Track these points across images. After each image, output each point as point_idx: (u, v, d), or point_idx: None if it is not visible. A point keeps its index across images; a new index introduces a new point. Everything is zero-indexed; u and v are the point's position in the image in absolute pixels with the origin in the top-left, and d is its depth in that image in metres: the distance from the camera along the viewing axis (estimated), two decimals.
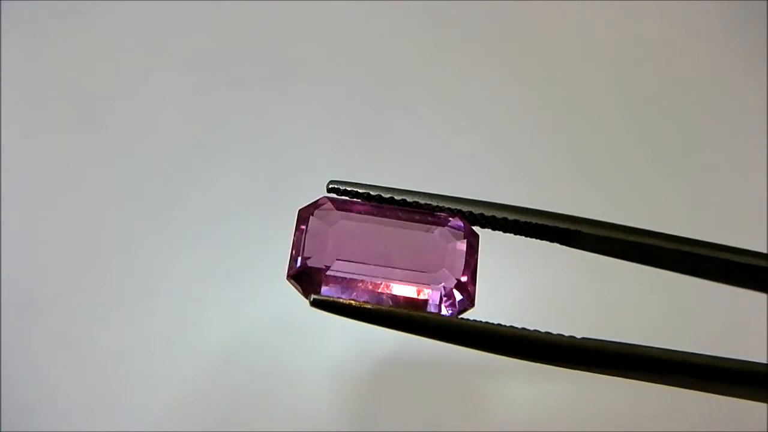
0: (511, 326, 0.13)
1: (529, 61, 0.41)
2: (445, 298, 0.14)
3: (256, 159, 0.38)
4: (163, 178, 0.38)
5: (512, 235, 0.15)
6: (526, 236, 0.15)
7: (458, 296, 0.14)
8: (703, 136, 0.39)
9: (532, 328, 0.13)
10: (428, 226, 0.14)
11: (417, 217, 0.14)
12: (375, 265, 0.14)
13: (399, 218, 0.14)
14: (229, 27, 0.42)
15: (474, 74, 0.41)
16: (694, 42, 0.41)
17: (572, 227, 0.14)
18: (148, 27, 0.42)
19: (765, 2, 0.41)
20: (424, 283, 0.14)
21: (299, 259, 0.14)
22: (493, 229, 0.15)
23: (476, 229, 0.15)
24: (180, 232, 0.37)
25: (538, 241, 0.15)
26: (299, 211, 0.14)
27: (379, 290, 0.14)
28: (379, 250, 0.14)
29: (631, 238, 0.14)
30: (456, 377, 0.34)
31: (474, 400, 0.34)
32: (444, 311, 0.14)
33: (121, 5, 0.42)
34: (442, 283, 0.14)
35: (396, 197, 0.14)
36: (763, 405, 0.31)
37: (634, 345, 0.13)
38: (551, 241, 0.15)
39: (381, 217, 0.14)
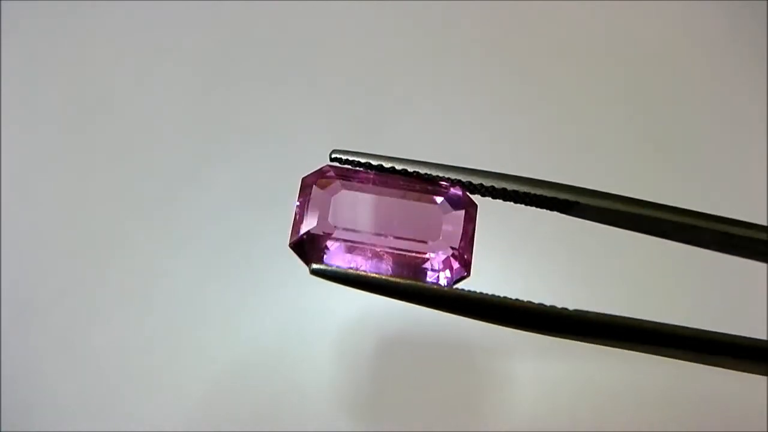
0: (503, 296, 0.14)
1: (529, 61, 0.41)
2: (441, 266, 0.14)
3: (256, 158, 0.38)
4: (163, 177, 0.38)
5: (512, 203, 0.15)
6: (525, 205, 0.15)
7: (455, 264, 0.14)
8: (703, 135, 0.39)
9: (524, 299, 0.14)
10: (427, 195, 0.14)
11: (417, 187, 0.15)
12: (375, 233, 0.14)
13: (399, 187, 0.14)
14: (229, 27, 0.42)
15: (474, 73, 0.41)
16: (694, 42, 0.41)
17: (572, 198, 0.14)
18: (148, 27, 0.42)
19: (765, 2, 0.41)
20: (422, 251, 0.14)
21: (301, 226, 0.14)
22: (493, 198, 0.15)
23: (476, 197, 0.15)
24: (180, 231, 0.37)
25: (538, 211, 0.15)
26: (302, 179, 0.14)
27: (379, 258, 0.14)
28: (379, 219, 0.14)
29: (630, 209, 0.14)
30: (463, 356, 0.34)
31: (484, 384, 0.34)
32: (441, 279, 0.14)
33: (121, 5, 0.42)
34: (440, 251, 0.14)
35: (397, 167, 0.14)
36: (763, 405, 0.32)
37: (620, 317, 0.14)
38: (551, 209, 0.15)
39: (382, 186, 0.14)
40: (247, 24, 0.42)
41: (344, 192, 0.14)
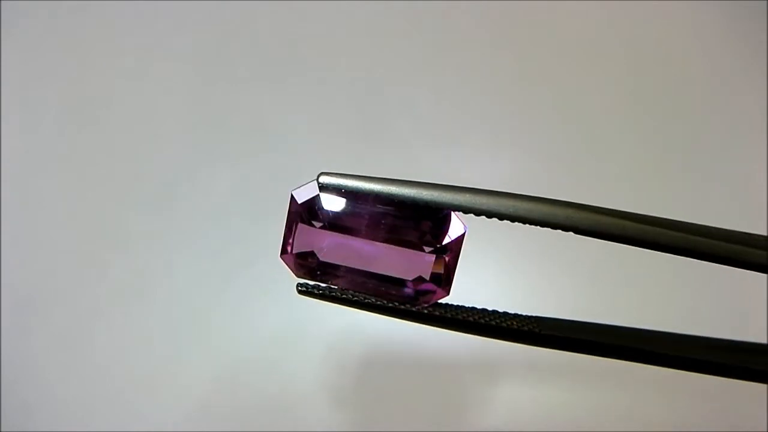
0: (471, 309, 0.15)
1: (530, 62, 0.41)
2: (423, 285, 0.15)
3: (256, 159, 0.38)
4: (163, 177, 0.38)
5: (509, 222, 0.15)
6: (521, 223, 0.15)
7: (436, 284, 0.15)
8: (703, 136, 0.39)
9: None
10: (413, 216, 0.15)
11: (404, 209, 0.15)
12: (361, 248, 0.15)
13: (386, 206, 0.15)
14: (229, 26, 0.42)
15: (475, 74, 0.41)
16: (694, 42, 0.41)
17: (567, 224, 0.14)
18: (147, 26, 0.42)
19: (765, 2, 0.41)
20: (404, 270, 0.15)
21: (291, 240, 0.15)
22: (488, 217, 0.15)
23: (470, 217, 0.15)
24: (180, 231, 0.37)
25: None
26: (292, 192, 0.15)
27: (363, 274, 0.15)
28: (365, 236, 0.15)
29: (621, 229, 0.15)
30: (456, 375, 0.34)
31: (476, 401, 0.34)
32: (420, 296, 0.15)
33: (121, 5, 0.42)
34: (421, 271, 0.15)
35: (385, 190, 0.15)
36: (763, 405, 0.32)
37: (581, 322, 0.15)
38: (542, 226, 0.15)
39: (369, 205, 0.15)
40: (246, 24, 0.42)
41: (332, 208, 0.15)
